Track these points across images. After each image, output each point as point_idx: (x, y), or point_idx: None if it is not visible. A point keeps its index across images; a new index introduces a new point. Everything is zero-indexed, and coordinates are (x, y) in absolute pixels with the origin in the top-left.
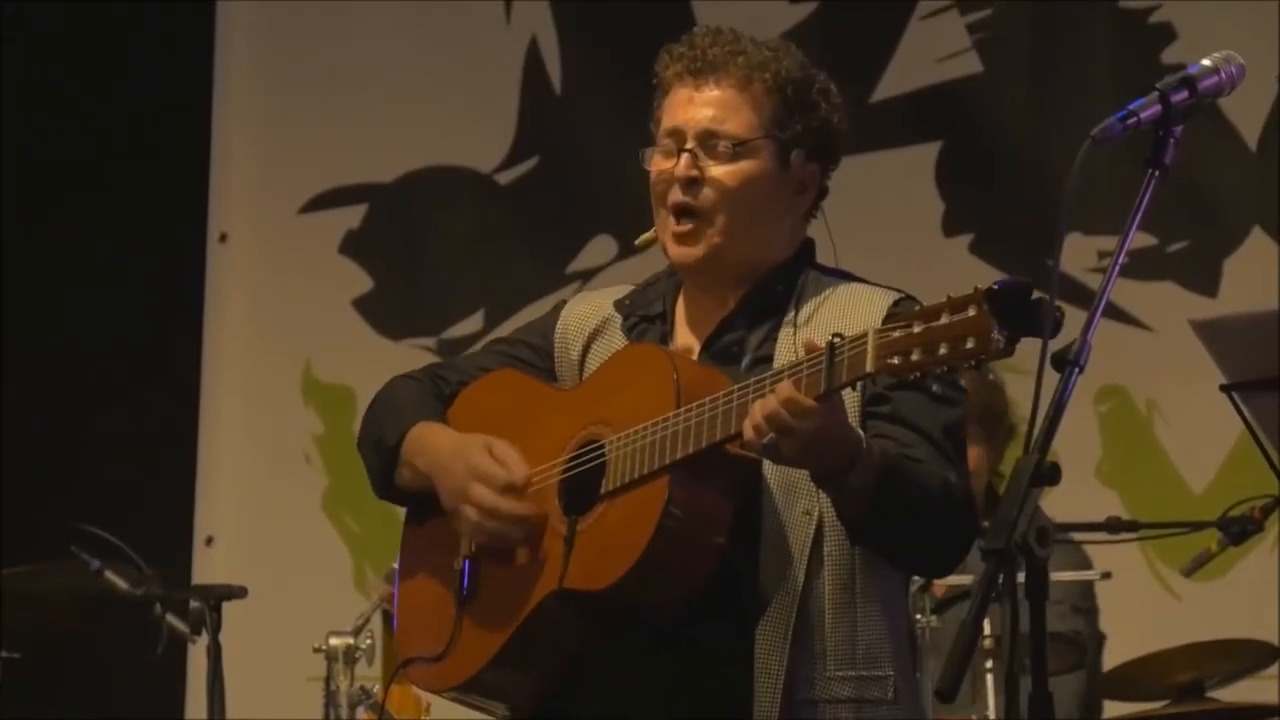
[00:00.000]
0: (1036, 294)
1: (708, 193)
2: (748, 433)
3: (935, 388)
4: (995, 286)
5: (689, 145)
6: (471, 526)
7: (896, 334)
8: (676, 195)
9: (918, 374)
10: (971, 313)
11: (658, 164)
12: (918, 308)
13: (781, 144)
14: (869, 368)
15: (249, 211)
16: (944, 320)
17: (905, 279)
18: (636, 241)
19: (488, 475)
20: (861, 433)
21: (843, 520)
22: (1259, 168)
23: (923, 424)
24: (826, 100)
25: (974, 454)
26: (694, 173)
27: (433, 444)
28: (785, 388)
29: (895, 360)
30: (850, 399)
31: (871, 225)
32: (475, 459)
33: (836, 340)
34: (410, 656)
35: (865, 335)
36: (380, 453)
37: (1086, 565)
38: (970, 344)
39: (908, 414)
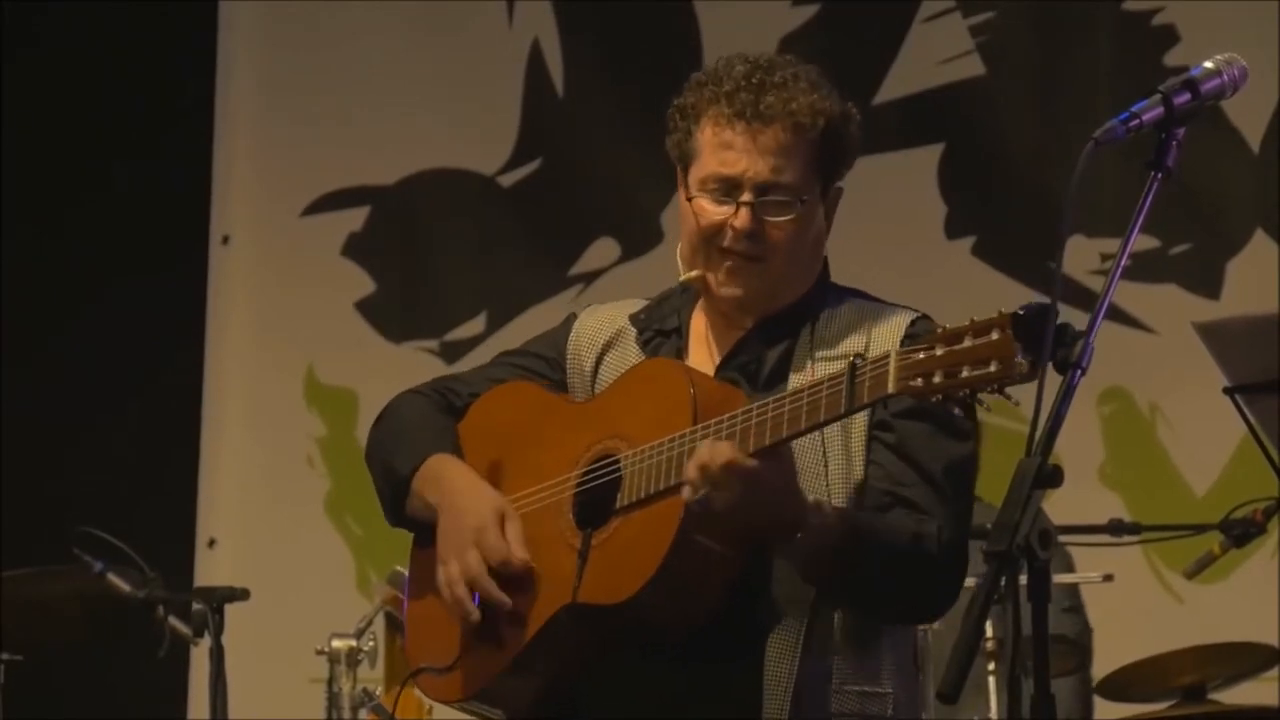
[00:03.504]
0: (1063, 320)
1: (766, 244)
2: (684, 488)
3: (945, 419)
4: (1021, 311)
5: (748, 198)
6: (447, 580)
7: (919, 355)
8: (736, 245)
9: (938, 397)
10: (995, 336)
11: (708, 209)
12: (940, 330)
13: (826, 184)
14: (890, 389)
15: (251, 214)
16: (967, 343)
17: (907, 282)
18: (682, 279)
19: (488, 546)
20: (809, 498)
21: (807, 582)
22: (1261, 170)
23: (924, 460)
24: (859, 131)
25: None
26: (755, 226)
27: (448, 483)
28: (720, 445)
29: (917, 382)
30: (860, 416)
31: (874, 228)
32: (485, 522)
33: (858, 361)
34: (420, 666)
35: (887, 356)
36: (391, 482)
37: (1071, 566)
38: (994, 367)
39: (911, 447)
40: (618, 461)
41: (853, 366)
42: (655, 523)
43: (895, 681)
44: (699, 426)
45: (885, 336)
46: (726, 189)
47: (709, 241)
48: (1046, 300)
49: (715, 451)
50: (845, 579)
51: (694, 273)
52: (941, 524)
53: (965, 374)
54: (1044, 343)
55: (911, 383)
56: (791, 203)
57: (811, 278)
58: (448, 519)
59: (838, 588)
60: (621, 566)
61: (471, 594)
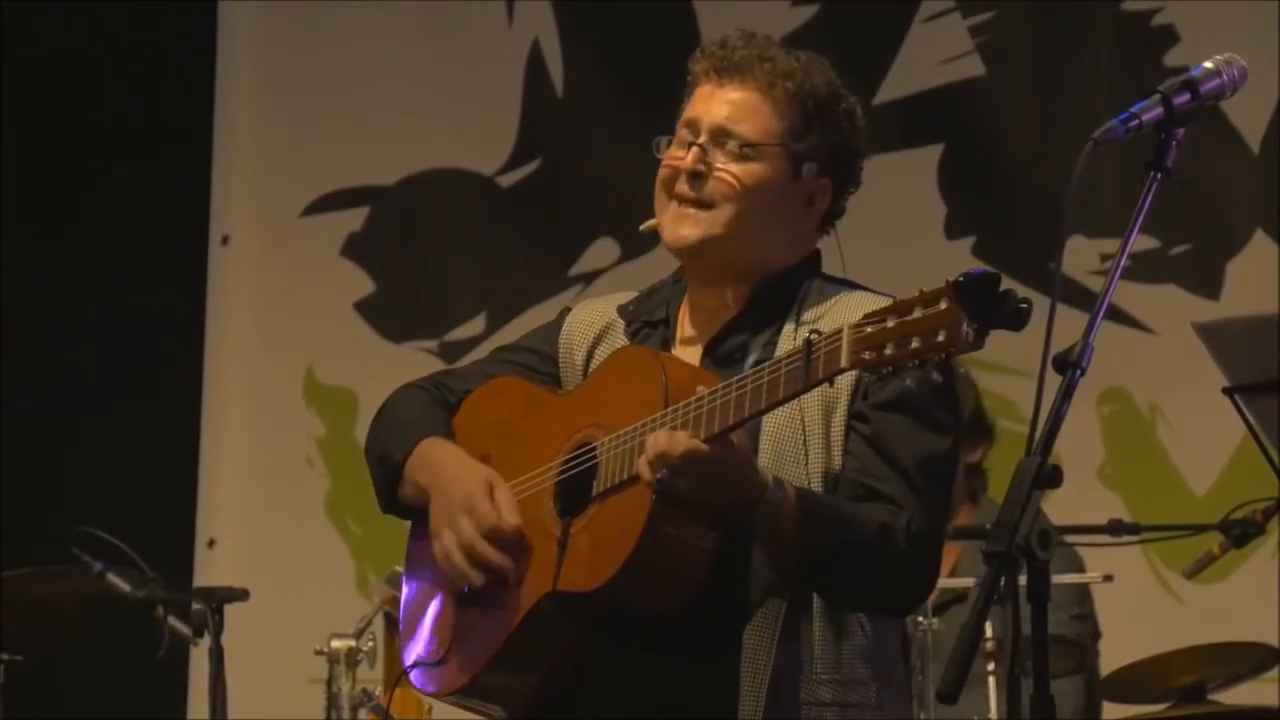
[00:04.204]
0: (1004, 286)
1: (712, 187)
2: (642, 471)
3: (924, 412)
4: (961, 279)
5: (701, 140)
6: (442, 553)
7: (870, 329)
8: (681, 186)
9: (890, 369)
10: (942, 306)
11: (670, 152)
12: (892, 301)
13: (794, 154)
14: (843, 363)
15: (251, 214)
16: (916, 314)
17: (907, 282)
18: (641, 228)
19: (479, 513)
20: (770, 478)
21: (773, 568)
22: (1261, 170)
23: (898, 453)
24: (849, 120)
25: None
26: (700, 167)
27: (438, 461)
28: (678, 434)
29: (869, 355)
30: (840, 406)
31: (874, 228)
32: (473, 491)
33: (813, 337)
34: (411, 662)
35: (840, 331)
36: (385, 468)
37: (1080, 567)
38: (941, 337)
39: (886, 440)
40: (595, 449)
41: (808, 343)
42: (628, 508)
43: (878, 670)
44: (668, 410)
45: None
46: (689, 133)
47: (665, 187)
48: (989, 268)
49: (676, 440)
50: (805, 562)
51: (652, 221)
52: (912, 517)
53: (914, 344)
54: (1010, 326)
55: (864, 355)
56: (741, 152)
57: (786, 252)
58: (438, 495)
59: (798, 572)
60: (597, 553)
61: (471, 564)
